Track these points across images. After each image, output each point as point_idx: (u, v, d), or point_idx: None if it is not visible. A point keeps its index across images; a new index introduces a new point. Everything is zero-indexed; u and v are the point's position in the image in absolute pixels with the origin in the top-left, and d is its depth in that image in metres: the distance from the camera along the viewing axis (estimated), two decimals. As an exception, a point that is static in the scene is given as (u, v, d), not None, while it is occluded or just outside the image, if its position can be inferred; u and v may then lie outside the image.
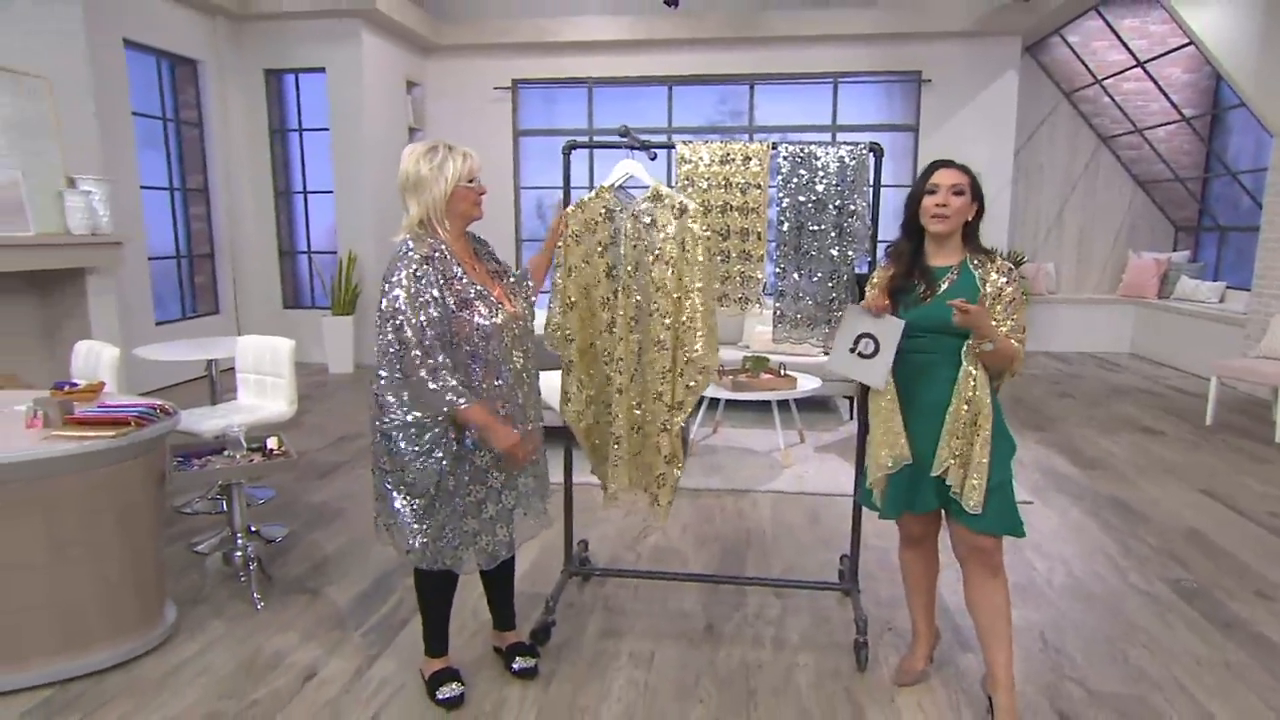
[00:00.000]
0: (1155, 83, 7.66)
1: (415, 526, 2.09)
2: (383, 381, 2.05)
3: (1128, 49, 7.56)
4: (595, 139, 3.07)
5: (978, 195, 2.07)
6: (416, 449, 2.04)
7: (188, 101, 6.80)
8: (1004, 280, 2.02)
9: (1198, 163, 8.14)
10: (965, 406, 2.00)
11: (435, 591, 2.26)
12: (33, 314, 4.93)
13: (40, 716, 2.17)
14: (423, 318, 1.95)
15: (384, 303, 1.97)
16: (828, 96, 7.95)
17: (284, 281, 7.65)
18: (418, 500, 2.08)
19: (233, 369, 3.75)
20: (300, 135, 7.43)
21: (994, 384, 2.06)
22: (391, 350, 1.98)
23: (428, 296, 1.96)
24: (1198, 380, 6.82)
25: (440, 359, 1.96)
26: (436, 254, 2.00)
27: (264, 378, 3.59)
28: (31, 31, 4.61)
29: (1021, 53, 7.76)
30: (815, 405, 5.79)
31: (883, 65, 7.79)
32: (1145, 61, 7.55)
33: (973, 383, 1.99)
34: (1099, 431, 5.23)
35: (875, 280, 2.19)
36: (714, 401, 4.94)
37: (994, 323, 1.98)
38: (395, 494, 2.09)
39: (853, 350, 2.11)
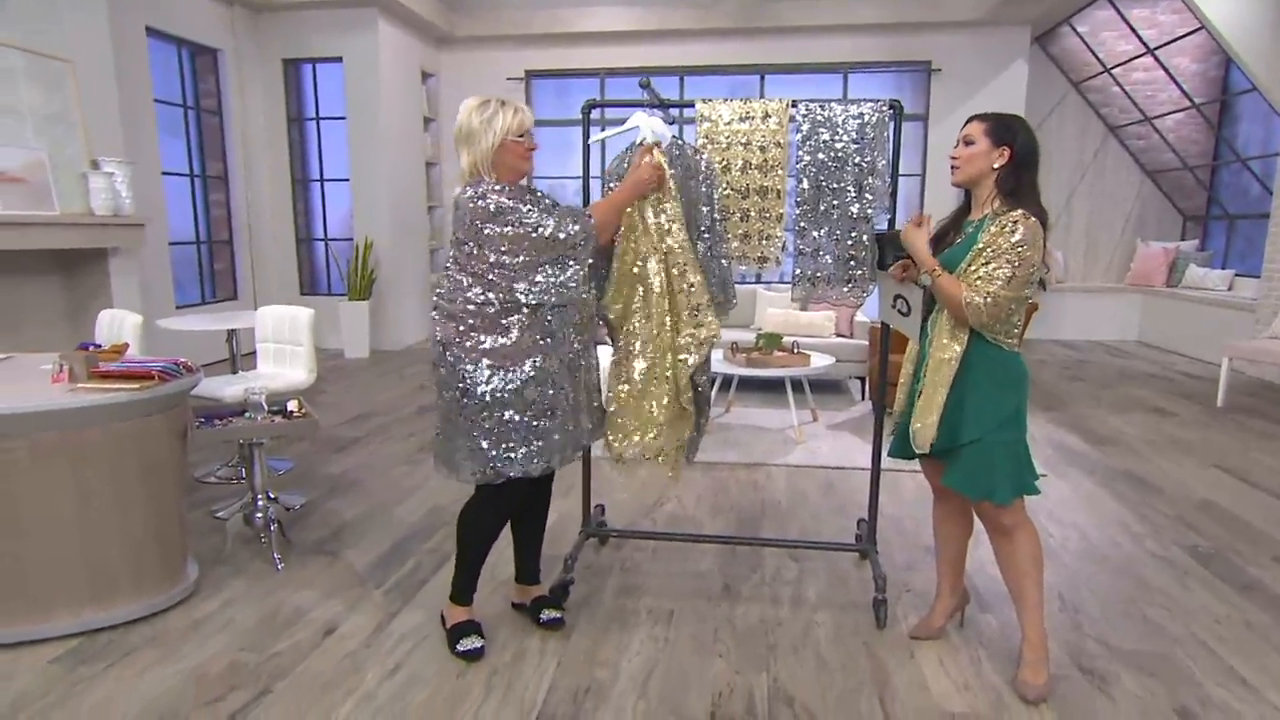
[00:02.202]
0: (1165, 69, 7.65)
1: (514, 440, 2.12)
2: (449, 310, 2.11)
3: (1138, 37, 7.56)
4: (614, 101, 3.09)
5: (1003, 141, 1.98)
6: (500, 369, 2.09)
7: (208, 89, 6.87)
8: (996, 228, 1.94)
9: (1206, 151, 8.13)
10: (938, 352, 2.05)
11: (479, 535, 2.28)
12: (58, 293, 4.99)
13: (68, 664, 2.20)
14: (526, 209, 2.05)
15: (485, 226, 2.03)
16: (838, 86, 7.96)
17: (301, 267, 7.71)
18: (514, 413, 2.11)
19: (254, 353, 3.78)
20: (318, 124, 7.50)
21: (1006, 341, 2.02)
22: (483, 277, 2.07)
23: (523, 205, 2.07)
24: (1206, 366, 6.80)
25: (560, 212, 2.10)
26: (501, 191, 2.08)
27: (283, 346, 3.62)
28: (56, 16, 4.66)
29: (1030, 42, 7.76)
30: (827, 387, 5.80)
31: (892, 55, 7.80)
32: (1155, 48, 7.54)
33: (947, 329, 2.03)
34: (1110, 411, 5.22)
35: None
36: (727, 380, 4.95)
37: (973, 267, 1.96)
38: (483, 414, 2.10)
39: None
